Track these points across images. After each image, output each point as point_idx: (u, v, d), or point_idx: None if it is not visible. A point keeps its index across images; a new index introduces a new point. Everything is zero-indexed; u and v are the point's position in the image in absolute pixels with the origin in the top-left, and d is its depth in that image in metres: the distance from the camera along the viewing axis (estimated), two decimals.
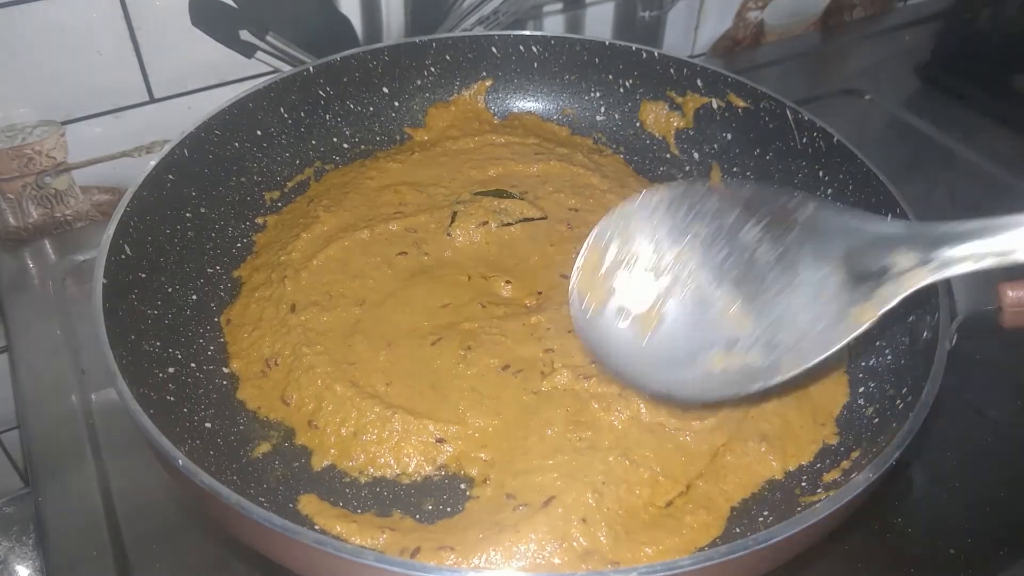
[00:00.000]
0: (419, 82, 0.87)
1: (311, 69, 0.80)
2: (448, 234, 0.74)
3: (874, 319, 0.49)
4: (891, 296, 0.48)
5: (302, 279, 0.69)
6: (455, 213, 0.75)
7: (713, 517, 0.56)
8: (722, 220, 0.53)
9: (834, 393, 0.64)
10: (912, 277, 0.48)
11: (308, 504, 0.56)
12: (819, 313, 0.50)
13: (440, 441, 0.60)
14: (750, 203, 0.54)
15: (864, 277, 0.49)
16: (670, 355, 0.53)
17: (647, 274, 0.55)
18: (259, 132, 0.78)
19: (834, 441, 0.61)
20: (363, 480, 0.59)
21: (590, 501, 0.55)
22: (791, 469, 0.59)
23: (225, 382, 0.64)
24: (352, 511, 0.56)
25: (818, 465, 0.60)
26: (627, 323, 0.54)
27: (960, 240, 0.47)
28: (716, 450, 0.59)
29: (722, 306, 0.53)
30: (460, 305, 0.69)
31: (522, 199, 0.77)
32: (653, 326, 0.54)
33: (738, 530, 0.56)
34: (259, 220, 0.77)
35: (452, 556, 0.52)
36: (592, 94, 0.88)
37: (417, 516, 0.56)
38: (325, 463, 0.59)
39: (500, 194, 0.77)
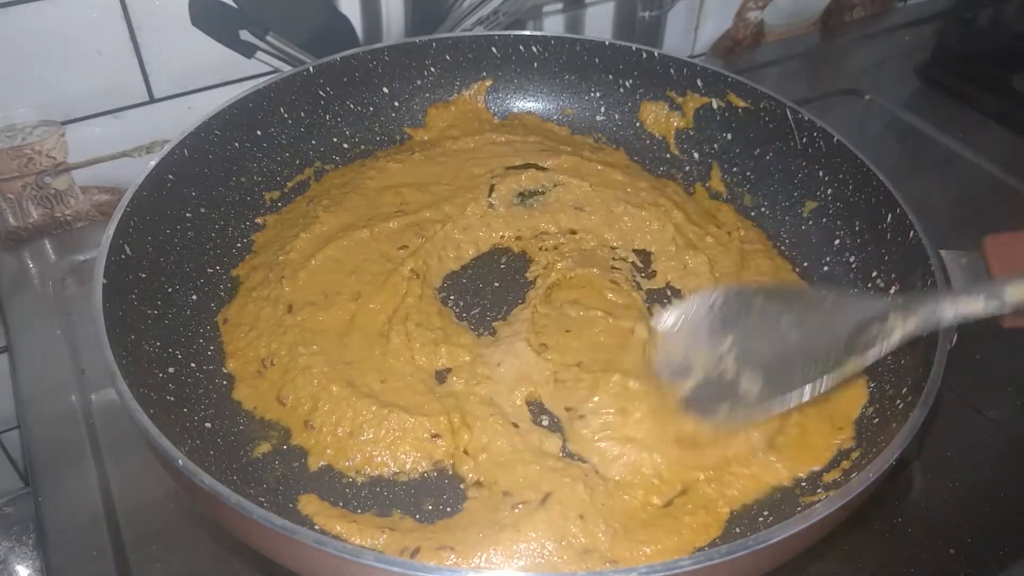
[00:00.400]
0: (419, 82, 0.87)
1: (311, 69, 0.80)
2: (490, 205, 0.77)
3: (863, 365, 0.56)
4: (878, 351, 0.55)
5: (300, 279, 0.69)
6: (492, 186, 0.78)
7: (712, 518, 0.56)
8: (761, 315, 0.61)
9: (853, 396, 0.63)
10: (896, 332, 0.54)
11: (308, 504, 0.56)
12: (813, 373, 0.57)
13: (435, 436, 0.60)
14: (785, 297, 0.63)
15: (861, 344, 0.56)
16: (697, 406, 0.60)
17: (699, 352, 0.62)
18: (259, 132, 0.78)
19: (850, 445, 0.60)
20: (360, 480, 0.59)
21: (584, 496, 0.55)
22: (801, 475, 0.59)
23: (225, 382, 0.64)
24: (352, 511, 0.56)
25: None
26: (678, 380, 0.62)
27: (940, 302, 0.53)
28: (726, 462, 0.59)
29: (745, 384, 0.59)
30: None
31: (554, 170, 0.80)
32: (690, 386, 0.61)
33: (738, 530, 0.56)
34: (259, 220, 0.77)
35: (452, 556, 0.52)
36: (592, 94, 0.88)
37: (417, 516, 0.56)
38: (321, 463, 0.59)
39: (531, 167, 0.80)
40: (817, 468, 0.59)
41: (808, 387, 0.55)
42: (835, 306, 0.59)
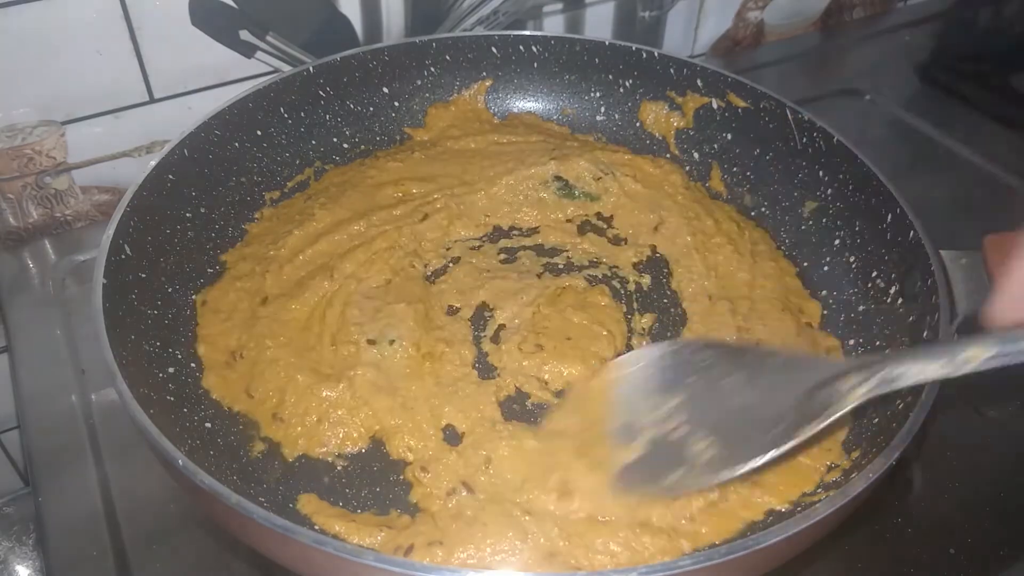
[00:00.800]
0: (419, 82, 0.87)
1: (311, 69, 0.80)
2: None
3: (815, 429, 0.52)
4: (834, 411, 0.51)
5: (284, 273, 0.70)
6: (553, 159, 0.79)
7: (671, 545, 0.54)
8: (710, 373, 0.58)
9: (839, 420, 0.62)
10: (853, 394, 0.51)
11: (307, 503, 0.56)
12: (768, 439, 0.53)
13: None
14: (734, 355, 0.60)
15: (814, 408, 0.52)
16: (640, 477, 0.56)
17: (643, 416, 0.58)
18: (259, 132, 0.78)
19: (840, 461, 0.59)
20: (339, 465, 0.59)
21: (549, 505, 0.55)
22: (793, 499, 0.57)
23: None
24: (352, 510, 0.56)
25: None
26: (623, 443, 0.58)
27: (897, 362, 0.50)
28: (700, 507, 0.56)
29: (695, 447, 0.55)
30: None
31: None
32: (632, 456, 0.57)
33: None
34: (256, 214, 0.77)
35: (440, 552, 0.53)
36: (592, 94, 0.88)
37: (413, 513, 0.56)
38: (296, 454, 0.60)
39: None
40: (807, 491, 0.57)
41: (764, 456, 0.51)
42: (785, 367, 0.56)
